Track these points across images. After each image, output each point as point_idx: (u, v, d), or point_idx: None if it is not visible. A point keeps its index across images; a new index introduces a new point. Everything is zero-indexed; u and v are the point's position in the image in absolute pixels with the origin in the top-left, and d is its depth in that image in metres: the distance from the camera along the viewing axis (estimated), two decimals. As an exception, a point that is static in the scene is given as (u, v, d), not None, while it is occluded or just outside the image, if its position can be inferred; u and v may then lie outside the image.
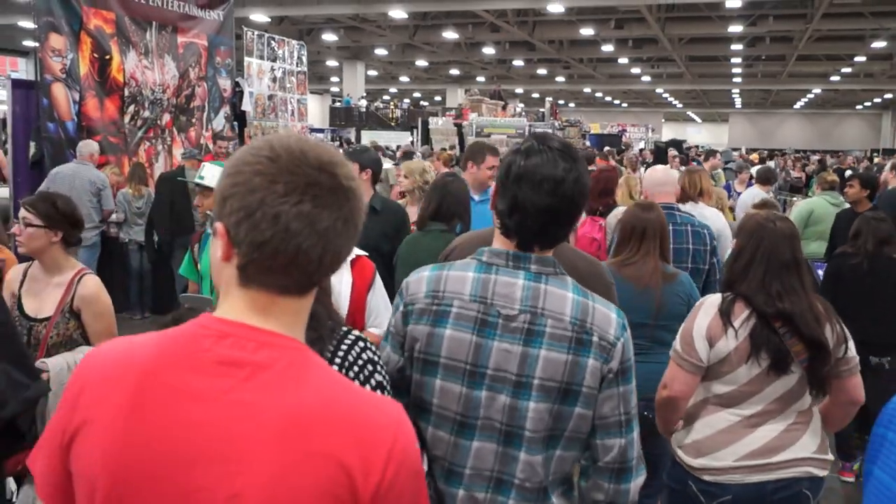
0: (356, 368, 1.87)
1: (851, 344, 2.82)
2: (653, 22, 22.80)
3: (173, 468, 1.11)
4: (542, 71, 37.70)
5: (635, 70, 36.65)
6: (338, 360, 1.87)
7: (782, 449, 2.77)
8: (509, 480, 1.89)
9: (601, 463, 1.92)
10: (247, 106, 11.85)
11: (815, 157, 27.70)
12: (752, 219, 2.97)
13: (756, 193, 8.92)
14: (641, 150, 18.65)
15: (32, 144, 8.43)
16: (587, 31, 25.17)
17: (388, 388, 1.92)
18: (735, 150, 37.93)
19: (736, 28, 24.03)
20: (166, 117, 10.20)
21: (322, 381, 1.19)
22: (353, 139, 27.16)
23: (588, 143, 27.76)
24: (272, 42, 12.94)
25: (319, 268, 1.20)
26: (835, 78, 37.12)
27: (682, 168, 10.78)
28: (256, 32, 12.71)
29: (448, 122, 24.01)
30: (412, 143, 23.58)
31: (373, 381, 1.87)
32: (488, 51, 30.82)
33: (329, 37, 28.22)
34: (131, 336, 1.24)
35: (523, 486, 1.88)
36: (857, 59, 31.05)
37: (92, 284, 3.52)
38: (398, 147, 21.74)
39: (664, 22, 24.07)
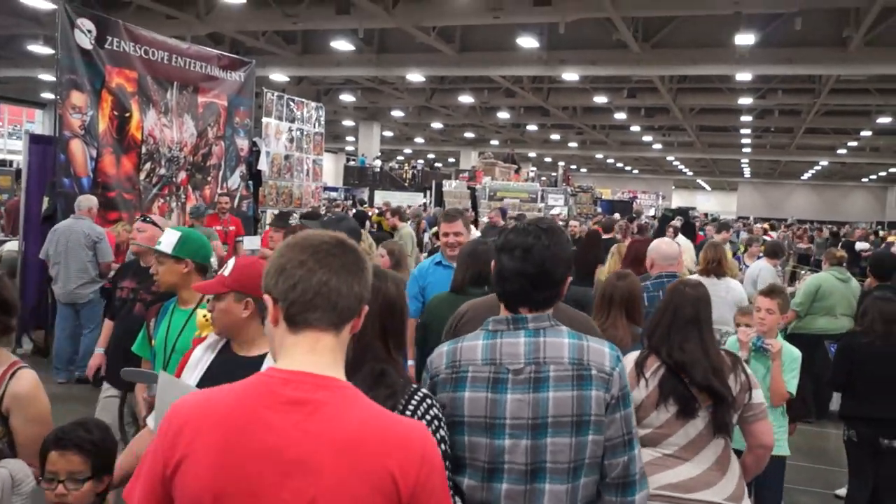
0: (425, 421, 2.07)
1: (758, 392, 3.16)
2: (665, 92, 23.07)
3: (261, 484, 1.49)
4: (555, 136, 38.08)
5: (647, 138, 36.98)
6: (408, 413, 2.08)
7: (696, 490, 2.96)
8: None
9: (608, 479, 2.20)
10: (263, 165, 11.99)
11: (825, 228, 27.73)
12: (672, 285, 3.41)
13: (763, 266, 8.87)
14: (632, 219, 18.81)
15: (46, 199, 8.52)
16: (600, 99, 25.48)
17: (448, 442, 2.14)
18: (743, 218, 38.01)
19: (746, 100, 24.32)
20: (182, 175, 10.34)
21: (365, 412, 1.60)
22: (366, 199, 27.40)
23: (599, 209, 27.92)
24: (291, 103, 13.15)
25: (339, 298, 1.63)
26: (841, 151, 37.40)
27: (675, 237, 10.84)
28: (276, 94, 12.93)
29: (461, 185, 24.23)
30: (425, 204, 23.73)
31: (437, 436, 2.06)
32: (503, 115, 31.18)
33: (347, 97, 28.65)
34: (206, 389, 1.69)
35: None
36: (863, 133, 31.35)
37: (27, 381, 2.87)
38: (409, 207, 21.89)
39: (676, 92, 24.36)
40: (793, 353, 4.48)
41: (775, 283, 3.75)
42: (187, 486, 1.50)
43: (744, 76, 20.36)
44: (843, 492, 5.68)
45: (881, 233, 25.56)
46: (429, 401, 2.13)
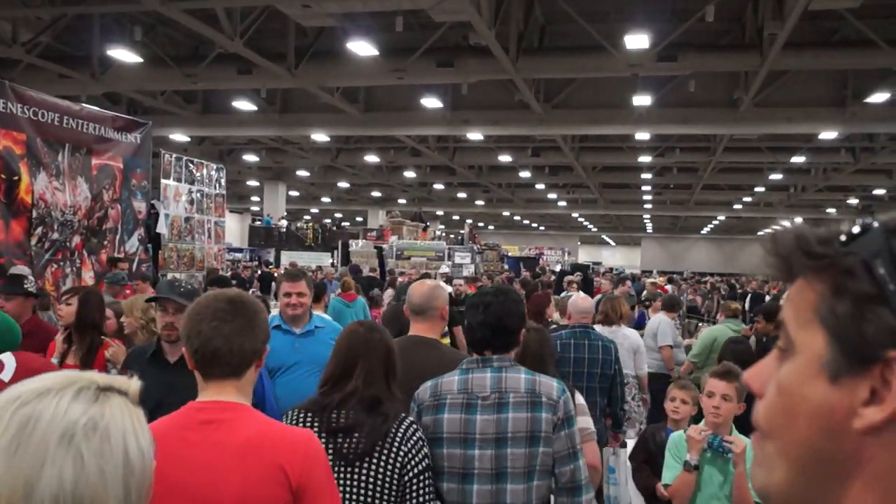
0: (411, 443, 2.69)
1: (586, 418, 3.89)
2: (567, 151, 23.59)
3: (176, 486, 1.92)
4: (462, 194, 38.44)
5: (552, 195, 37.71)
6: (399, 435, 2.69)
7: None
8: None
9: (559, 485, 2.84)
10: (162, 228, 11.64)
11: (714, 280, 28.67)
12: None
13: (662, 319, 9.19)
14: (537, 275, 19.35)
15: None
16: (505, 158, 25.87)
17: (430, 460, 2.75)
18: (647, 272, 39.02)
19: (645, 158, 25.14)
20: (76, 239, 9.90)
21: (260, 424, 2.12)
22: (272, 259, 26.96)
23: (506, 266, 28.20)
24: (190, 164, 12.86)
25: (233, 357, 2.14)
26: (737, 206, 39.10)
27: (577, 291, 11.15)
28: (174, 155, 12.63)
29: (368, 244, 24.15)
30: (332, 264, 23.51)
31: (421, 454, 2.71)
32: (409, 174, 31.33)
33: (250, 157, 28.31)
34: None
35: None
36: (756, 189, 32.97)
37: None
38: (318, 268, 21.60)
39: (578, 151, 24.95)
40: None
41: (731, 364, 3.82)
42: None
43: (642, 135, 21.04)
44: None
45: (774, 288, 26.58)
46: (414, 426, 2.76)
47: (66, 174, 9.65)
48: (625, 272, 33.28)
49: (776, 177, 28.50)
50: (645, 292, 14.67)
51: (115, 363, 4.54)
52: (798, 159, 24.43)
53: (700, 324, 13.34)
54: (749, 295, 19.75)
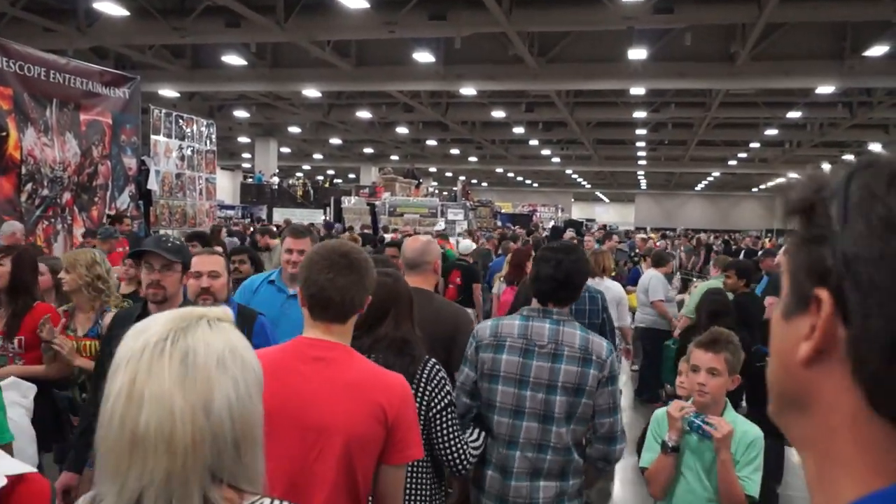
0: (435, 381, 2.91)
1: None
2: (562, 106, 23.44)
3: (293, 413, 2.20)
4: (455, 151, 38.25)
5: (545, 151, 37.53)
6: (424, 375, 2.90)
7: None
8: (546, 445, 3.12)
9: (598, 434, 3.17)
10: (153, 185, 11.51)
11: (700, 236, 28.75)
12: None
13: (653, 275, 9.27)
14: (530, 232, 19.40)
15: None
16: (499, 114, 25.69)
17: (452, 396, 2.98)
18: (641, 229, 39.07)
19: (640, 114, 24.94)
20: (67, 196, 9.79)
21: (363, 365, 2.40)
22: (264, 216, 26.84)
23: (499, 223, 28.14)
24: (180, 120, 12.70)
25: (343, 305, 2.37)
26: (732, 162, 38.90)
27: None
28: (164, 111, 12.47)
29: (361, 201, 24.01)
30: (324, 221, 23.41)
31: (444, 392, 2.93)
32: (402, 130, 31.13)
33: (241, 113, 28.03)
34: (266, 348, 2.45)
35: (556, 447, 3.12)
36: (752, 145, 32.81)
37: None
38: (311, 225, 21.49)
39: (573, 106, 24.79)
40: (747, 436, 3.07)
41: (720, 331, 3.28)
42: None
43: (637, 90, 20.87)
44: None
45: (768, 243, 26.63)
46: (438, 367, 2.95)
47: (54, 130, 9.51)
48: (618, 229, 33.38)
49: (772, 132, 28.36)
50: (624, 244, 14.72)
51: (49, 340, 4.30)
52: (794, 114, 24.31)
53: (695, 279, 13.37)
54: (743, 251, 19.79)
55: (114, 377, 1.32)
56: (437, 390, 2.89)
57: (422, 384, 2.87)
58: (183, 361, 1.29)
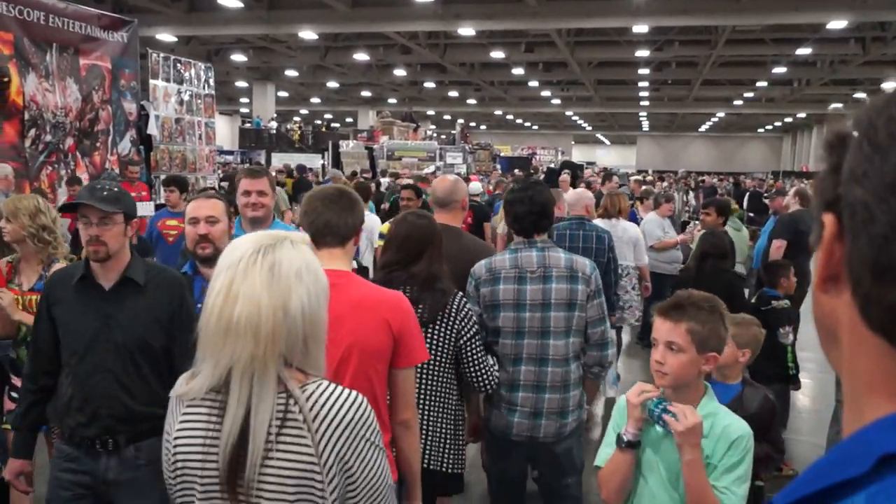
0: (463, 313, 3.32)
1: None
2: (562, 46, 23.24)
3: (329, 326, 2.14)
4: (453, 93, 38.02)
5: (545, 93, 37.30)
6: (454, 307, 3.29)
7: None
8: (546, 358, 3.53)
9: (591, 341, 3.61)
10: (153, 130, 11.53)
11: (694, 178, 28.66)
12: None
13: (650, 218, 9.22)
14: (529, 175, 19.35)
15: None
16: (498, 55, 25.49)
17: (478, 326, 3.38)
18: (643, 171, 38.95)
19: (643, 53, 24.66)
20: (69, 141, 9.84)
21: (367, 287, 2.78)
22: (262, 161, 26.80)
23: (498, 166, 28.08)
24: (178, 64, 12.66)
25: (339, 229, 2.75)
26: (738, 102, 38.48)
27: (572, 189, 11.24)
28: (162, 55, 12.42)
29: (359, 145, 23.94)
30: (322, 165, 23.40)
31: (471, 322, 3.34)
32: (400, 72, 30.92)
33: (238, 57, 27.83)
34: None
35: (555, 360, 3.53)
36: (758, 84, 32.31)
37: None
38: (310, 170, 21.50)
39: (573, 46, 24.56)
40: (730, 433, 2.37)
41: (688, 294, 2.52)
42: None
43: (640, 28, 20.63)
44: None
45: (775, 184, 26.42)
46: (465, 300, 3.37)
47: (55, 75, 9.53)
48: (618, 171, 33.23)
49: (780, 70, 27.87)
50: (625, 187, 14.73)
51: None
52: (804, 51, 23.77)
53: (695, 222, 13.37)
54: (747, 194, 19.59)
55: (216, 279, 1.71)
56: (465, 321, 3.32)
57: (451, 315, 3.29)
58: (270, 270, 1.67)
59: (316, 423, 1.69)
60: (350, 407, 1.74)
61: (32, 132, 9.21)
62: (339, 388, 1.77)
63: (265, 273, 1.67)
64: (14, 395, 4.03)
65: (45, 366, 3.12)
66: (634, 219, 10.44)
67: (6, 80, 8.74)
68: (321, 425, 1.69)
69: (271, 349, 1.65)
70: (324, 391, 1.73)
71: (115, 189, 3.08)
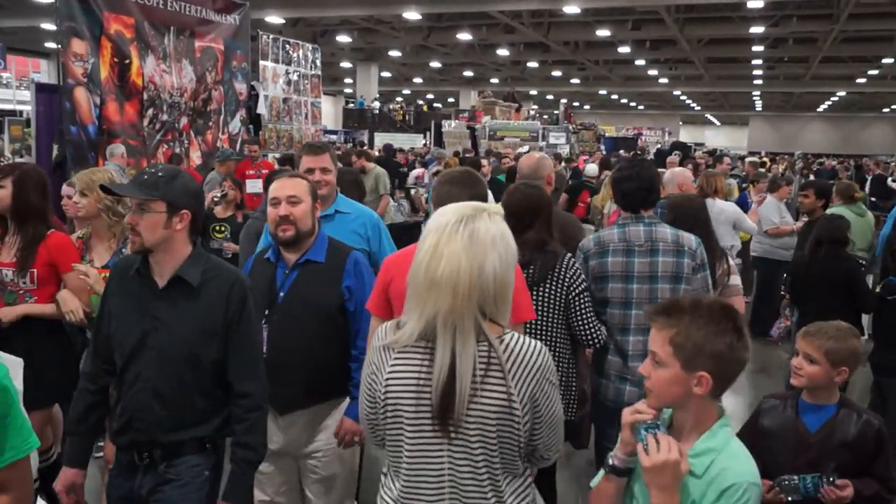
0: (573, 270, 3.56)
1: (734, 277, 4.31)
2: (671, 23, 22.67)
3: None
4: (556, 73, 37.67)
5: (652, 72, 36.46)
6: (564, 265, 3.54)
7: None
8: None
9: None
10: (262, 109, 11.95)
11: (788, 159, 27.30)
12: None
13: (770, 202, 8.84)
14: (637, 155, 18.96)
15: (55, 147, 8.57)
16: (603, 33, 25.10)
17: (587, 283, 3.62)
18: (755, 153, 37.54)
19: (758, 29, 23.60)
20: (184, 120, 10.32)
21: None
22: (366, 141, 27.29)
23: (602, 147, 27.75)
24: (287, 45, 13.04)
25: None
26: (860, 80, 35.96)
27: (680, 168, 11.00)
28: (272, 36, 12.81)
29: (461, 125, 24.07)
30: (425, 145, 23.64)
31: (580, 279, 3.57)
32: (502, 52, 30.84)
33: (343, 38, 28.34)
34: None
35: None
36: (884, 60, 30.08)
37: None
38: (411, 149, 21.77)
39: (683, 23, 23.92)
40: (724, 481, 1.88)
41: (675, 300, 2.07)
42: (395, 287, 2.85)
43: (755, 3, 19.85)
44: None
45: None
46: (573, 259, 3.62)
47: (172, 57, 9.99)
48: (730, 153, 32.21)
49: (909, 46, 26.00)
50: (737, 169, 14.27)
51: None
52: (935, 25, 22.07)
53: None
54: (869, 178, 18.57)
55: (423, 240, 2.02)
56: (574, 277, 3.57)
57: (562, 272, 3.56)
58: (470, 236, 1.95)
59: (512, 368, 1.98)
60: (538, 355, 2.02)
61: (150, 112, 9.70)
62: (527, 338, 2.06)
63: (466, 238, 1.95)
64: None
65: (107, 364, 2.80)
66: (745, 202, 10.03)
67: (127, 61, 9.22)
68: (517, 370, 1.98)
69: (467, 303, 1.93)
70: (517, 341, 2.02)
71: (160, 174, 2.66)
